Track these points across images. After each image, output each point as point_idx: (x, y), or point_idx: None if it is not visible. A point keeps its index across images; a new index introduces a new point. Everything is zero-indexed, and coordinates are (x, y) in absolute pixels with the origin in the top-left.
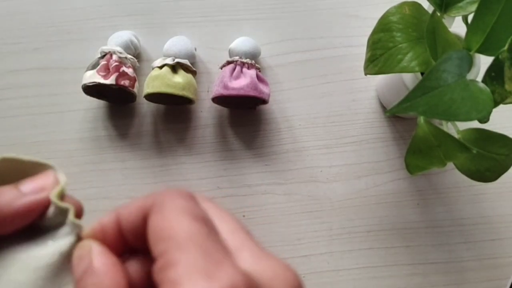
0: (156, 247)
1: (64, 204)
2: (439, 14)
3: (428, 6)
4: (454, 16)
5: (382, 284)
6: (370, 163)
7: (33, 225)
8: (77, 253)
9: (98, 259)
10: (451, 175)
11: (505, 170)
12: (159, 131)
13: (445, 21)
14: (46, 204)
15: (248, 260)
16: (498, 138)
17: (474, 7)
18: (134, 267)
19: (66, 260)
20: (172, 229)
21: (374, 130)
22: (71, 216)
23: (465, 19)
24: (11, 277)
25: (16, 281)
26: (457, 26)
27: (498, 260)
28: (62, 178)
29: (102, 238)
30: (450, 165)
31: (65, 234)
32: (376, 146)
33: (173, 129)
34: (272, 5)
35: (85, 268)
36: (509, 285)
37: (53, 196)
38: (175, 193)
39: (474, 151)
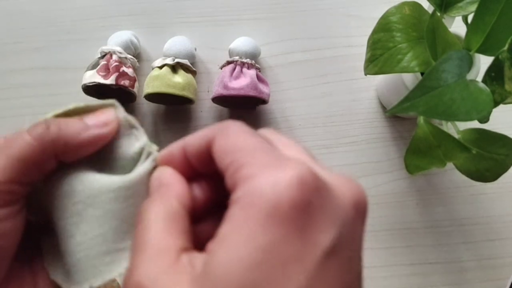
0: (225, 159)
1: (135, 123)
2: (439, 14)
3: (428, 6)
4: (454, 16)
5: (382, 284)
6: (370, 163)
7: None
8: (155, 174)
9: (169, 176)
10: (451, 175)
11: (505, 170)
12: (159, 131)
13: (445, 21)
14: (109, 138)
15: (317, 169)
16: (498, 138)
17: (474, 7)
18: (197, 188)
19: (146, 181)
20: (238, 143)
21: (374, 130)
22: (150, 146)
23: (465, 19)
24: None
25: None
26: (457, 26)
27: (498, 260)
28: (122, 113)
29: (170, 162)
30: (450, 165)
31: (147, 159)
32: (376, 146)
33: (173, 129)
34: (272, 5)
35: (159, 183)
36: (509, 285)
37: (128, 118)
38: (235, 122)
39: (474, 151)
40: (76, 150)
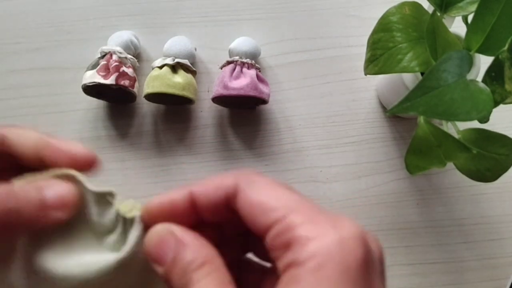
0: (266, 217)
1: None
2: (439, 14)
3: (428, 6)
4: (454, 16)
5: None
6: (370, 163)
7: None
8: (154, 239)
9: (185, 236)
10: (451, 175)
11: (505, 170)
12: (159, 131)
13: (445, 21)
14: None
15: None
16: (498, 138)
17: (474, 7)
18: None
19: (139, 248)
20: (279, 199)
21: (374, 130)
22: (130, 208)
23: (465, 19)
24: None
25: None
26: (457, 26)
27: (498, 260)
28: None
29: (171, 214)
30: (450, 165)
31: (133, 227)
32: (376, 146)
33: (173, 129)
34: (272, 5)
35: (175, 248)
36: (509, 285)
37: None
38: (258, 173)
39: (474, 151)
40: (30, 227)
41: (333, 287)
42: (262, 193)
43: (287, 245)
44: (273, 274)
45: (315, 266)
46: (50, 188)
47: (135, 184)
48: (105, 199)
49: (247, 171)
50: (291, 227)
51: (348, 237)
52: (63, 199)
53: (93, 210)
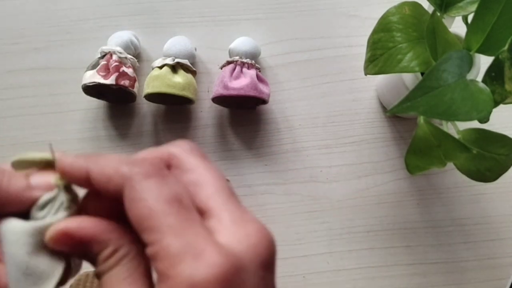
0: (139, 223)
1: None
2: (439, 14)
3: (428, 6)
4: (454, 16)
5: (382, 284)
6: (370, 163)
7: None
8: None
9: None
10: (451, 175)
11: (505, 170)
12: (159, 131)
13: (445, 21)
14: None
15: (228, 226)
16: (498, 138)
17: (474, 7)
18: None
19: None
20: (148, 207)
21: (374, 130)
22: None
23: (465, 19)
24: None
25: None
26: (457, 26)
27: (498, 260)
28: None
29: (71, 176)
30: (450, 165)
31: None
32: (376, 146)
33: (173, 129)
34: (272, 5)
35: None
36: (509, 285)
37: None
38: (143, 158)
39: (474, 151)
40: (14, 207)
41: None
42: (141, 204)
43: (155, 257)
44: None
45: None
46: (35, 177)
47: None
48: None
49: (141, 158)
50: (156, 250)
51: (204, 276)
52: (47, 183)
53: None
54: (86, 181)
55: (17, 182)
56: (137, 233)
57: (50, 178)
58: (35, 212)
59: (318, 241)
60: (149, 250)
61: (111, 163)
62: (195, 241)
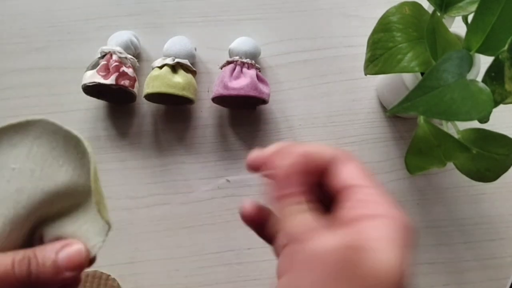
0: (346, 188)
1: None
2: (439, 14)
3: (428, 6)
4: (454, 16)
5: None
6: (370, 163)
7: None
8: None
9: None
10: (451, 175)
11: (505, 170)
12: (159, 131)
13: (445, 21)
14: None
15: (383, 208)
16: (498, 138)
17: (474, 7)
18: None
19: None
20: (364, 183)
21: (374, 130)
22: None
23: (465, 19)
24: None
25: None
26: (457, 26)
27: (498, 260)
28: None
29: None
30: (450, 165)
31: None
32: (376, 146)
33: (173, 129)
34: (272, 5)
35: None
36: (509, 285)
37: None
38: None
39: (474, 151)
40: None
41: None
42: (349, 173)
43: (356, 215)
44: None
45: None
46: (63, 250)
47: (135, 184)
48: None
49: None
50: (359, 203)
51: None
52: (73, 261)
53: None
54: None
55: (45, 271)
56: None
57: (75, 256)
58: None
59: None
60: (346, 204)
61: (322, 147)
62: (389, 207)
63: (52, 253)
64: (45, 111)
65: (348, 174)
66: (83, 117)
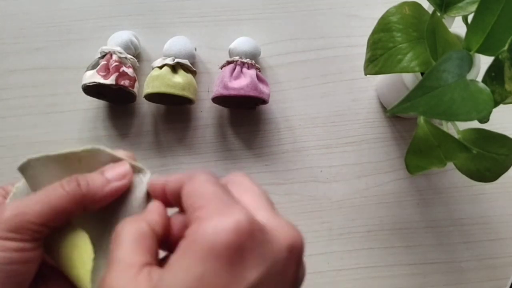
0: (187, 201)
1: (141, 167)
2: (439, 14)
3: (428, 6)
4: (454, 16)
5: (382, 284)
6: (370, 163)
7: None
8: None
9: (152, 206)
10: (451, 175)
11: (505, 170)
12: (159, 131)
13: (445, 21)
14: (126, 188)
15: (263, 215)
16: (498, 138)
17: (474, 7)
18: (176, 220)
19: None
20: (200, 190)
21: (374, 130)
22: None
23: (465, 19)
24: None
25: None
26: (457, 26)
27: (498, 260)
28: (132, 162)
29: (153, 194)
30: (450, 165)
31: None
32: (376, 146)
33: (173, 129)
34: (272, 5)
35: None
36: (509, 285)
37: (136, 165)
38: (204, 172)
39: (474, 151)
40: (101, 202)
41: (196, 259)
42: (193, 185)
43: (189, 224)
44: None
45: (190, 241)
46: (109, 171)
47: None
48: (140, 175)
49: (200, 170)
50: (194, 210)
51: (224, 223)
52: (122, 174)
53: (134, 187)
54: (163, 191)
55: (96, 182)
56: (184, 204)
57: (120, 169)
58: (130, 204)
59: (318, 241)
60: (190, 209)
61: (177, 175)
62: (227, 204)
63: (97, 172)
64: (45, 111)
65: (186, 192)
66: (83, 117)
